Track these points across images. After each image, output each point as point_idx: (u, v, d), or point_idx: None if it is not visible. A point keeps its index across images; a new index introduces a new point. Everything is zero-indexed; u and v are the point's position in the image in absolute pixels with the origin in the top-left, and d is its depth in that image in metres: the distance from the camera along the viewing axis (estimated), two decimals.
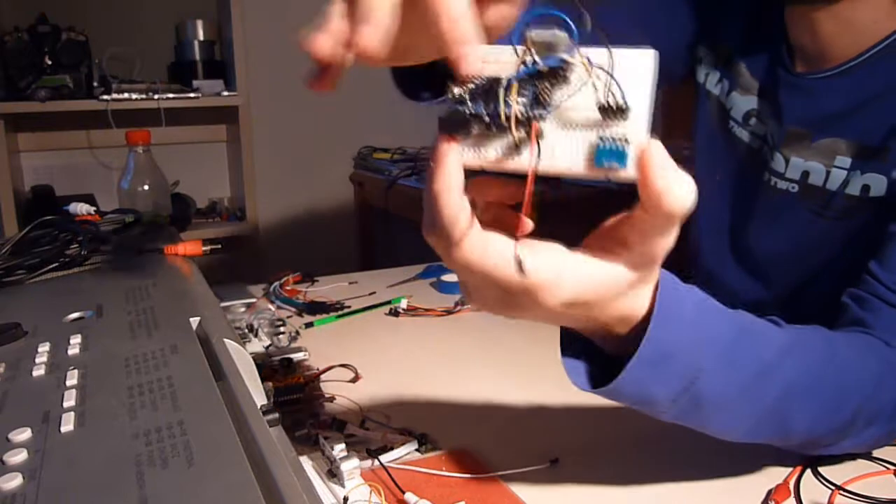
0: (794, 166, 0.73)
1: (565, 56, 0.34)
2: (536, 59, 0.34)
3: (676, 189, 0.34)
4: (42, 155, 2.24)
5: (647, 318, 0.41)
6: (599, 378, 0.45)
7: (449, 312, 0.99)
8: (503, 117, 0.34)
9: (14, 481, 0.30)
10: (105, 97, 2.02)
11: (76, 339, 0.46)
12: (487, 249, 0.36)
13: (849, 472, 0.56)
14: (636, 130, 0.34)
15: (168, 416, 0.34)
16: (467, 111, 0.35)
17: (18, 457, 0.32)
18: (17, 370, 0.42)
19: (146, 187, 1.48)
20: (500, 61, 0.35)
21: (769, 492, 0.54)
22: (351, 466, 0.53)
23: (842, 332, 0.56)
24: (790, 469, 0.56)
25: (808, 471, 0.56)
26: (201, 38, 2.25)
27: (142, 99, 2.06)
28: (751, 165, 0.79)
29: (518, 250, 0.36)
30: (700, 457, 0.59)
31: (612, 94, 0.34)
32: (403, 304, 1.00)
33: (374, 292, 1.08)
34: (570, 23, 0.33)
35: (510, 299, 0.38)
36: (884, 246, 0.61)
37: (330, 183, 2.58)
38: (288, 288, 1.08)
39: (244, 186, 2.25)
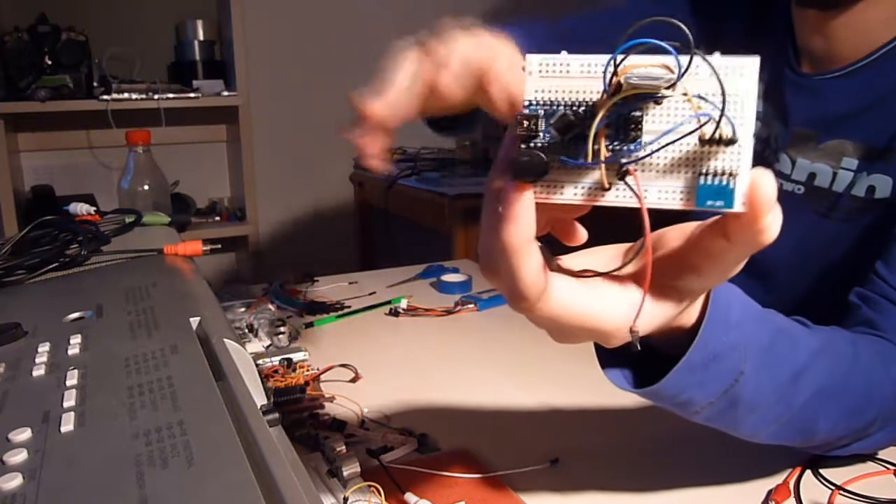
0: (801, 168, 0.72)
1: (661, 89, 0.30)
2: (627, 90, 0.30)
3: (774, 226, 0.31)
4: (42, 155, 2.24)
5: (696, 325, 0.40)
6: (634, 376, 0.44)
7: (449, 312, 0.99)
8: (590, 157, 0.30)
9: (14, 481, 0.30)
10: (105, 97, 2.02)
11: (76, 339, 0.46)
12: (572, 305, 0.34)
13: (849, 472, 0.56)
14: (742, 162, 0.30)
15: (168, 416, 0.34)
16: (543, 149, 0.31)
17: (18, 457, 0.32)
18: (17, 370, 0.42)
19: (146, 187, 1.47)
20: (571, 77, 0.31)
21: (769, 492, 0.54)
22: (351, 466, 0.53)
23: (859, 336, 0.56)
24: (790, 469, 0.56)
25: (808, 471, 0.56)
26: (201, 38, 2.25)
27: (142, 99, 2.06)
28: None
29: (602, 298, 0.34)
30: (700, 457, 0.59)
31: (720, 126, 0.29)
32: (403, 304, 1.00)
33: (374, 292, 1.08)
34: (672, 50, 0.29)
35: (576, 336, 0.37)
36: (890, 246, 0.61)
37: (330, 183, 2.58)
38: (288, 288, 1.08)
39: (244, 186, 2.25)
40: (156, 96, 2.07)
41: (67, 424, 0.35)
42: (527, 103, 0.31)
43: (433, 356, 0.85)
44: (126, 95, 2.05)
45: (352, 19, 2.51)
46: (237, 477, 0.29)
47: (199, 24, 2.25)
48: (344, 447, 0.55)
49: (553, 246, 0.37)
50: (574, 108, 0.31)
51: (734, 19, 0.81)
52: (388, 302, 1.01)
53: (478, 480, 0.56)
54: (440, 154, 2.31)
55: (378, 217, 2.59)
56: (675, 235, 0.36)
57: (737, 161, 0.30)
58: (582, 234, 0.39)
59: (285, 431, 0.41)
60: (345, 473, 0.53)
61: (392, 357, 0.84)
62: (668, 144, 0.30)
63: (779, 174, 0.75)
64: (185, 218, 2.20)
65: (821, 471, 0.56)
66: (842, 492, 0.53)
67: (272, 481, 0.31)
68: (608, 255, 0.39)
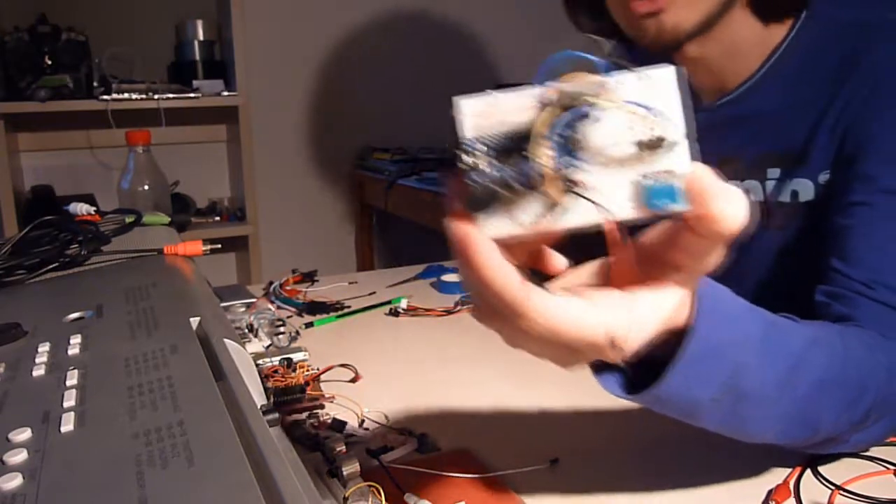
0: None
1: (594, 101, 0.31)
2: (560, 107, 0.31)
3: (731, 210, 0.32)
4: (42, 155, 2.24)
5: (689, 322, 0.40)
6: (632, 387, 0.44)
7: (449, 312, 0.99)
8: (537, 179, 0.31)
9: (14, 481, 0.30)
10: (105, 97, 2.02)
11: (76, 339, 0.46)
12: (559, 315, 0.34)
13: (849, 472, 0.56)
14: (680, 160, 0.31)
15: (168, 416, 0.34)
16: (489, 181, 0.31)
17: (18, 457, 0.32)
18: (17, 370, 0.42)
19: (146, 187, 1.47)
20: (505, 110, 0.32)
21: (769, 492, 0.54)
22: (351, 466, 0.53)
23: (842, 327, 0.57)
24: (790, 469, 0.56)
25: (808, 471, 0.56)
26: (201, 38, 2.25)
27: (142, 99, 2.06)
28: None
29: (595, 312, 0.34)
30: (700, 457, 0.59)
31: (653, 129, 0.31)
32: (403, 304, 1.00)
33: (374, 292, 1.08)
34: (596, 60, 0.31)
35: (574, 355, 0.37)
36: (840, 241, 0.62)
37: (330, 183, 2.58)
38: (288, 288, 1.08)
39: (244, 186, 2.25)
40: (156, 96, 2.07)
41: (67, 424, 0.35)
42: (467, 140, 0.32)
43: (433, 356, 0.85)
44: (126, 95, 2.05)
45: (352, 19, 2.51)
46: (237, 477, 0.29)
47: (199, 24, 2.25)
48: (344, 447, 0.55)
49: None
50: (510, 135, 0.31)
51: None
52: (388, 302, 1.01)
53: (478, 480, 0.56)
54: (440, 154, 2.31)
55: (378, 217, 2.59)
56: (653, 236, 0.37)
57: (677, 160, 0.31)
58: (560, 261, 0.39)
59: (285, 431, 0.41)
60: (345, 473, 0.53)
61: (392, 357, 0.84)
62: (608, 153, 0.31)
63: None
64: (185, 218, 2.20)
65: (821, 471, 0.56)
66: (842, 492, 0.53)
67: (272, 481, 0.31)
68: (592, 269, 0.40)
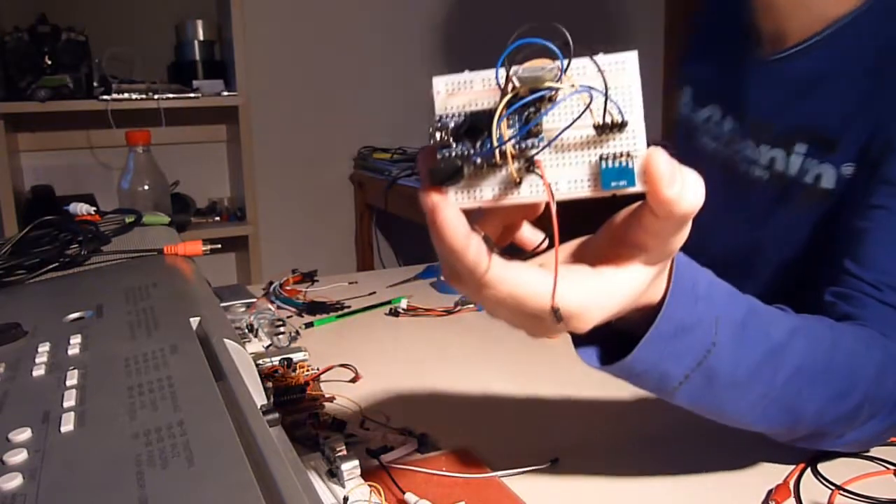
0: (764, 154, 0.75)
1: (552, 84, 0.33)
2: (520, 90, 0.33)
3: (687, 193, 0.34)
4: (42, 155, 2.24)
5: (663, 299, 0.41)
6: (611, 360, 0.45)
7: (449, 312, 0.99)
8: (497, 156, 0.33)
9: (14, 481, 0.30)
10: (105, 97, 2.02)
11: (76, 339, 0.46)
12: (514, 284, 0.36)
13: (849, 472, 0.56)
14: (636, 142, 0.33)
15: (168, 416, 0.34)
16: (454, 154, 0.34)
17: (18, 457, 0.32)
18: (17, 370, 0.42)
19: (146, 187, 1.47)
20: (475, 91, 0.34)
21: (769, 492, 0.54)
22: (351, 466, 0.53)
23: (838, 322, 0.57)
24: (790, 469, 0.56)
25: (808, 471, 0.56)
26: (201, 38, 2.25)
27: (142, 99, 2.06)
28: (718, 168, 0.81)
29: (546, 281, 0.36)
30: (700, 457, 0.59)
31: (608, 112, 0.32)
32: (403, 304, 1.00)
33: (374, 292, 1.08)
34: (553, 48, 0.32)
35: (539, 324, 0.38)
36: (854, 243, 0.62)
37: (330, 183, 2.58)
38: (288, 288, 1.08)
39: (244, 186, 2.25)
40: (156, 96, 2.07)
41: (67, 424, 0.35)
42: (438, 118, 0.34)
43: (433, 356, 0.85)
44: (126, 95, 2.05)
45: (352, 19, 2.51)
46: (237, 477, 0.29)
47: (199, 24, 2.25)
48: (344, 447, 0.55)
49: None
50: (476, 114, 0.34)
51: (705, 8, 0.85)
52: (388, 302, 1.01)
53: (478, 480, 0.56)
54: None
55: (378, 217, 2.59)
56: (621, 216, 0.39)
57: (632, 143, 0.33)
58: (538, 238, 0.41)
59: (285, 431, 0.41)
60: (345, 473, 0.53)
61: (392, 357, 0.84)
62: (564, 132, 0.33)
63: (749, 161, 0.77)
64: (185, 218, 2.20)
65: (821, 471, 0.56)
66: (842, 492, 0.53)
67: (272, 481, 0.31)
68: (571, 247, 0.42)
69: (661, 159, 0.33)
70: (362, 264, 2.61)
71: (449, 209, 0.34)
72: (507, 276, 0.36)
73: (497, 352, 0.86)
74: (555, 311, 0.36)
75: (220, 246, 0.72)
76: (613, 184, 0.33)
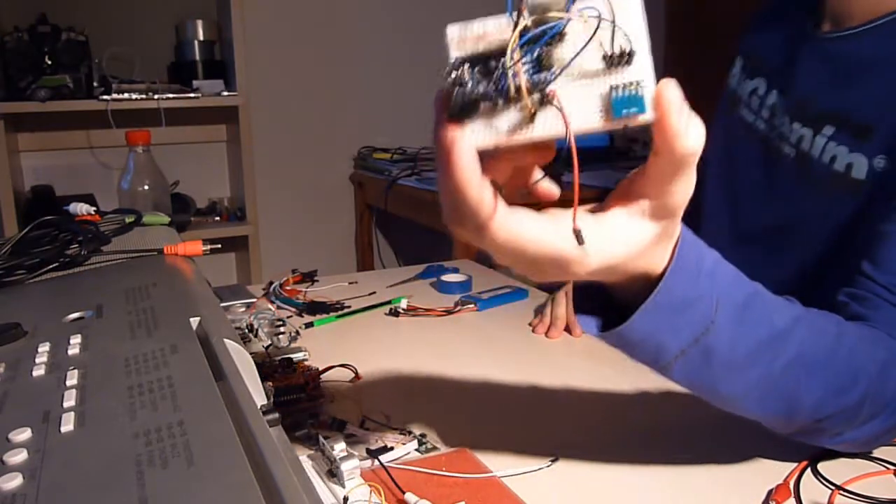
0: (795, 132, 0.74)
1: (559, 14, 0.33)
2: (530, 24, 0.33)
3: (691, 130, 0.34)
4: (42, 155, 2.24)
5: (665, 271, 0.42)
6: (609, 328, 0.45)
7: (449, 312, 0.99)
8: (512, 89, 0.33)
9: (14, 481, 0.30)
10: (105, 97, 2.02)
11: (76, 339, 0.46)
12: (520, 228, 0.36)
13: (849, 472, 0.56)
14: (645, 71, 0.33)
15: (168, 416, 0.34)
16: (470, 91, 0.34)
17: (18, 457, 0.32)
18: (17, 370, 0.42)
19: (146, 187, 1.47)
20: (487, 32, 0.34)
21: (769, 492, 0.54)
22: (351, 466, 0.53)
23: (845, 320, 0.56)
24: (790, 469, 0.57)
25: (809, 471, 0.56)
26: (201, 38, 2.25)
27: (142, 99, 2.06)
28: (756, 141, 0.81)
29: (548, 227, 0.37)
30: (701, 456, 0.59)
31: (616, 42, 0.33)
32: (403, 304, 1.00)
33: (374, 292, 1.08)
34: None
35: (539, 269, 0.39)
36: (874, 246, 0.61)
37: (330, 183, 2.58)
38: (288, 288, 1.08)
39: (244, 186, 2.25)
40: (156, 96, 2.06)
41: (67, 424, 0.35)
42: (453, 59, 0.35)
43: (433, 356, 0.85)
44: (126, 95, 2.04)
45: (352, 19, 2.51)
46: (237, 477, 0.29)
47: (199, 24, 2.25)
48: (344, 447, 0.55)
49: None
50: (489, 53, 0.34)
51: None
52: (388, 302, 1.01)
53: (478, 480, 0.56)
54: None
55: (378, 217, 2.59)
56: (629, 176, 0.40)
57: (640, 71, 0.33)
58: (554, 189, 0.41)
59: (285, 431, 0.41)
60: (345, 473, 0.53)
61: (392, 357, 0.84)
62: (575, 59, 0.33)
63: (782, 137, 0.76)
64: (185, 218, 2.19)
65: (821, 471, 0.56)
66: (842, 492, 0.53)
67: (272, 481, 0.31)
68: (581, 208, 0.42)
69: (673, 88, 0.34)
70: (362, 264, 2.61)
71: (464, 145, 0.34)
72: (511, 222, 0.36)
73: (497, 352, 0.86)
74: (577, 234, 0.36)
75: (220, 246, 0.72)
76: (624, 111, 0.33)
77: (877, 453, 0.59)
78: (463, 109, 0.34)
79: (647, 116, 0.34)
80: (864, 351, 0.54)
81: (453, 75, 0.34)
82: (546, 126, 0.34)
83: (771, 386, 0.49)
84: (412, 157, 2.31)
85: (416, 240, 2.47)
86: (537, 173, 0.41)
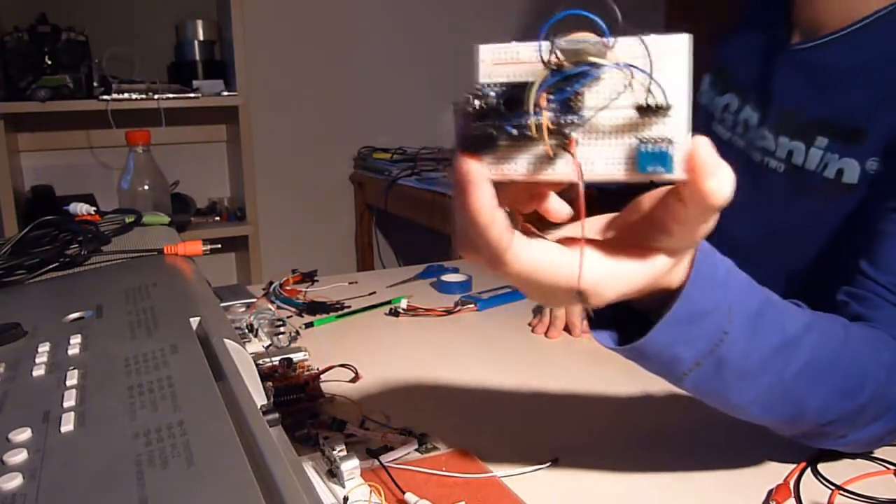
0: (782, 145, 0.74)
1: (596, 59, 0.32)
2: (564, 62, 0.32)
3: (724, 185, 0.33)
4: (42, 155, 2.24)
5: (683, 284, 0.41)
6: (624, 342, 0.45)
7: (449, 312, 0.99)
8: (533, 129, 0.32)
9: (14, 481, 0.30)
10: (105, 97, 2.02)
11: (76, 339, 0.46)
12: (534, 261, 0.36)
13: (849, 472, 0.56)
14: (678, 129, 0.32)
15: (168, 416, 0.34)
16: (491, 126, 0.33)
17: (18, 457, 0.32)
18: (17, 370, 0.42)
19: (146, 187, 1.48)
20: (520, 61, 0.33)
21: (769, 492, 0.54)
22: (351, 466, 0.53)
23: (851, 323, 0.56)
24: (790, 469, 0.56)
25: (809, 471, 0.56)
26: (201, 38, 2.25)
27: (142, 99, 2.06)
28: (734, 156, 0.81)
29: (564, 260, 0.36)
30: (701, 457, 0.59)
31: (651, 93, 0.31)
32: (403, 304, 1.00)
33: (374, 292, 1.08)
34: (600, 21, 0.31)
35: (554, 298, 0.39)
36: (872, 245, 0.61)
37: (330, 183, 2.58)
38: (288, 288, 1.08)
39: (244, 186, 2.25)
40: (156, 96, 2.06)
41: (67, 424, 0.35)
42: (479, 86, 0.34)
43: (433, 356, 0.85)
44: (126, 95, 2.04)
45: (352, 19, 2.51)
46: (237, 477, 0.29)
47: (199, 24, 2.25)
48: (344, 447, 0.55)
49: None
50: (517, 86, 0.33)
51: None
52: (388, 302, 1.01)
53: (478, 480, 0.56)
54: (440, 154, 2.31)
55: (378, 217, 2.59)
56: (650, 199, 0.39)
57: (673, 128, 0.32)
58: (564, 210, 0.41)
59: (285, 431, 0.41)
60: (345, 473, 0.53)
61: (392, 357, 0.84)
62: (602, 110, 0.32)
63: (765, 152, 0.77)
64: (185, 218, 2.19)
65: (821, 471, 0.56)
66: (842, 492, 0.53)
67: (272, 481, 0.31)
68: (594, 224, 0.42)
69: (708, 150, 0.32)
70: (362, 264, 2.61)
71: (480, 179, 0.34)
72: (526, 254, 0.36)
73: (497, 352, 0.86)
74: (579, 294, 0.36)
75: (220, 246, 0.72)
76: (650, 168, 0.32)
77: (877, 453, 0.59)
78: (482, 143, 0.33)
79: (672, 176, 0.32)
80: (868, 353, 0.53)
81: (477, 104, 0.33)
82: (566, 170, 0.33)
83: (781, 392, 0.49)
84: (412, 157, 2.31)
85: (416, 240, 2.47)
86: (551, 197, 0.41)
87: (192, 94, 2.12)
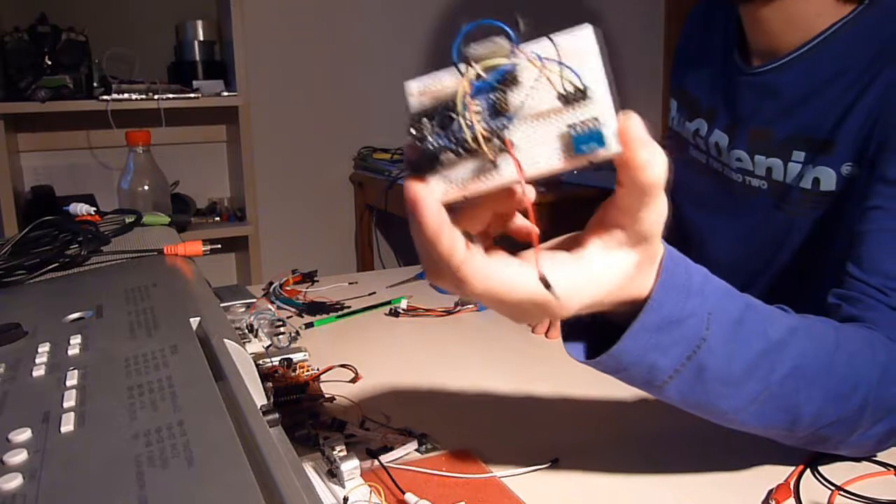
0: (759, 164, 0.76)
1: (509, 60, 0.33)
2: (482, 73, 0.33)
3: (656, 161, 0.35)
4: (42, 155, 2.24)
5: (651, 291, 0.42)
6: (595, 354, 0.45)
7: (449, 312, 0.99)
8: (469, 140, 0.33)
9: (14, 481, 0.30)
10: (105, 97, 2.02)
11: (76, 339, 0.46)
12: (493, 275, 0.37)
13: (849, 473, 0.56)
14: (602, 107, 0.33)
15: (168, 416, 0.34)
16: (430, 146, 0.34)
17: (18, 457, 0.32)
18: (17, 370, 0.42)
19: (146, 187, 1.48)
20: (444, 86, 0.35)
21: (769, 492, 0.54)
22: (351, 466, 0.53)
23: (842, 324, 0.56)
24: (790, 469, 0.56)
25: (808, 471, 0.56)
26: (201, 38, 2.25)
27: (142, 99, 2.06)
28: (711, 178, 0.84)
29: (521, 272, 0.36)
30: (700, 457, 0.59)
31: (568, 81, 0.33)
32: (403, 304, 1.00)
33: (374, 292, 1.08)
34: (505, 27, 0.33)
35: (522, 313, 0.39)
36: (856, 246, 0.62)
37: (330, 183, 2.58)
38: (288, 288, 1.08)
39: (244, 186, 2.25)
40: (156, 96, 2.06)
41: (67, 424, 0.35)
42: (415, 116, 0.35)
43: (433, 356, 0.85)
44: (126, 96, 2.04)
45: (352, 19, 2.51)
46: (237, 477, 0.29)
47: (199, 24, 2.25)
48: (344, 447, 0.55)
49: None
50: (445, 105, 0.34)
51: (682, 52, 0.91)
52: (388, 302, 1.01)
53: (478, 480, 0.56)
54: None
55: (378, 217, 2.59)
56: (601, 206, 0.40)
57: (597, 108, 0.33)
58: (530, 229, 0.41)
59: (285, 431, 0.41)
60: (345, 473, 0.53)
61: (392, 357, 0.84)
62: (527, 105, 0.33)
63: (744, 172, 0.78)
64: (185, 218, 2.19)
65: (821, 471, 0.56)
66: (842, 492, 0.53)
67: (272, 481, 0.31)
68: (565, 243, 0.42)
69: (638, 122, 0.34)
70: (362, 264, 2.61)
71: (428, 198, 0.34)
72: (483, 270, 0.36)
73: (497, 352, 0.86)
74: (543, 281, 0.36)
75: (220, 246, 0.72)
76: (584, 147, 0.33)
77: (877, 454, 0.59)
78: (425, 164, 0.34)
79: (608, 151, 0.33)
80: (864, 355, 0.53)
81: (413, 131, 0.35)
82: (510, 172, 0.34)
83: (770, 399, 0.49)
84: None
85: None
86: (517, 217, 0.41)
87: (192, 95, 2.12)
